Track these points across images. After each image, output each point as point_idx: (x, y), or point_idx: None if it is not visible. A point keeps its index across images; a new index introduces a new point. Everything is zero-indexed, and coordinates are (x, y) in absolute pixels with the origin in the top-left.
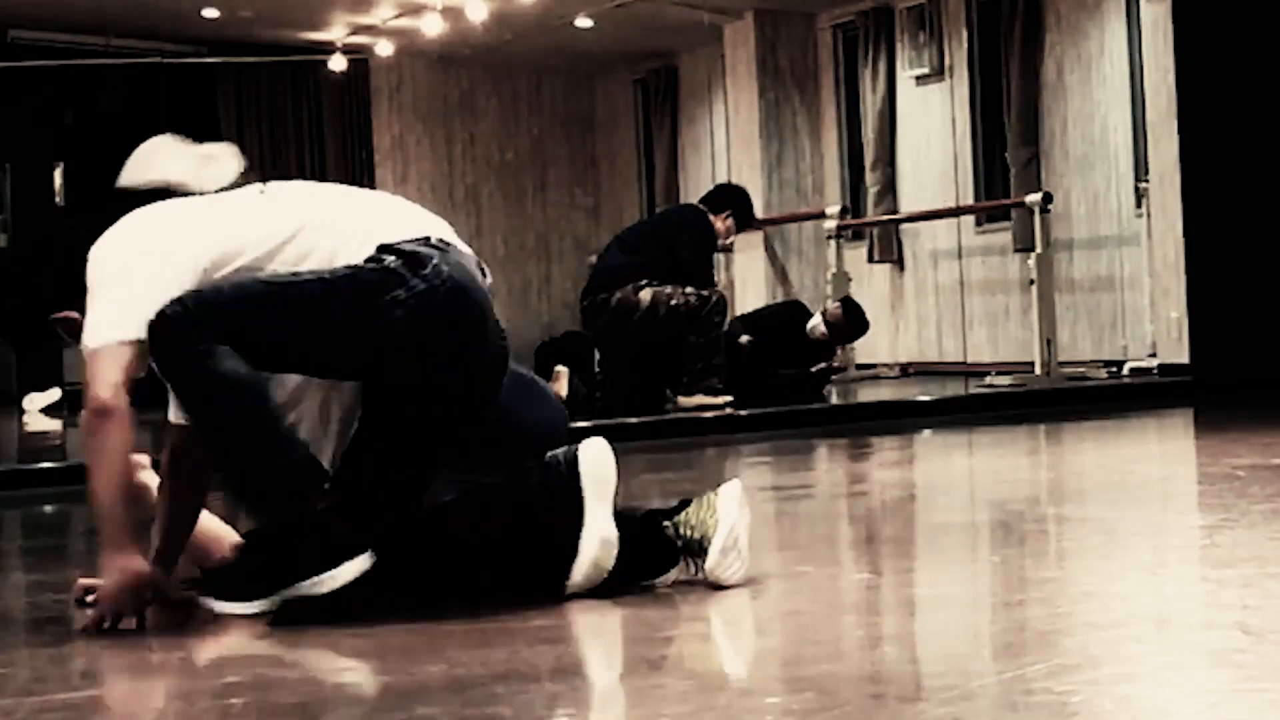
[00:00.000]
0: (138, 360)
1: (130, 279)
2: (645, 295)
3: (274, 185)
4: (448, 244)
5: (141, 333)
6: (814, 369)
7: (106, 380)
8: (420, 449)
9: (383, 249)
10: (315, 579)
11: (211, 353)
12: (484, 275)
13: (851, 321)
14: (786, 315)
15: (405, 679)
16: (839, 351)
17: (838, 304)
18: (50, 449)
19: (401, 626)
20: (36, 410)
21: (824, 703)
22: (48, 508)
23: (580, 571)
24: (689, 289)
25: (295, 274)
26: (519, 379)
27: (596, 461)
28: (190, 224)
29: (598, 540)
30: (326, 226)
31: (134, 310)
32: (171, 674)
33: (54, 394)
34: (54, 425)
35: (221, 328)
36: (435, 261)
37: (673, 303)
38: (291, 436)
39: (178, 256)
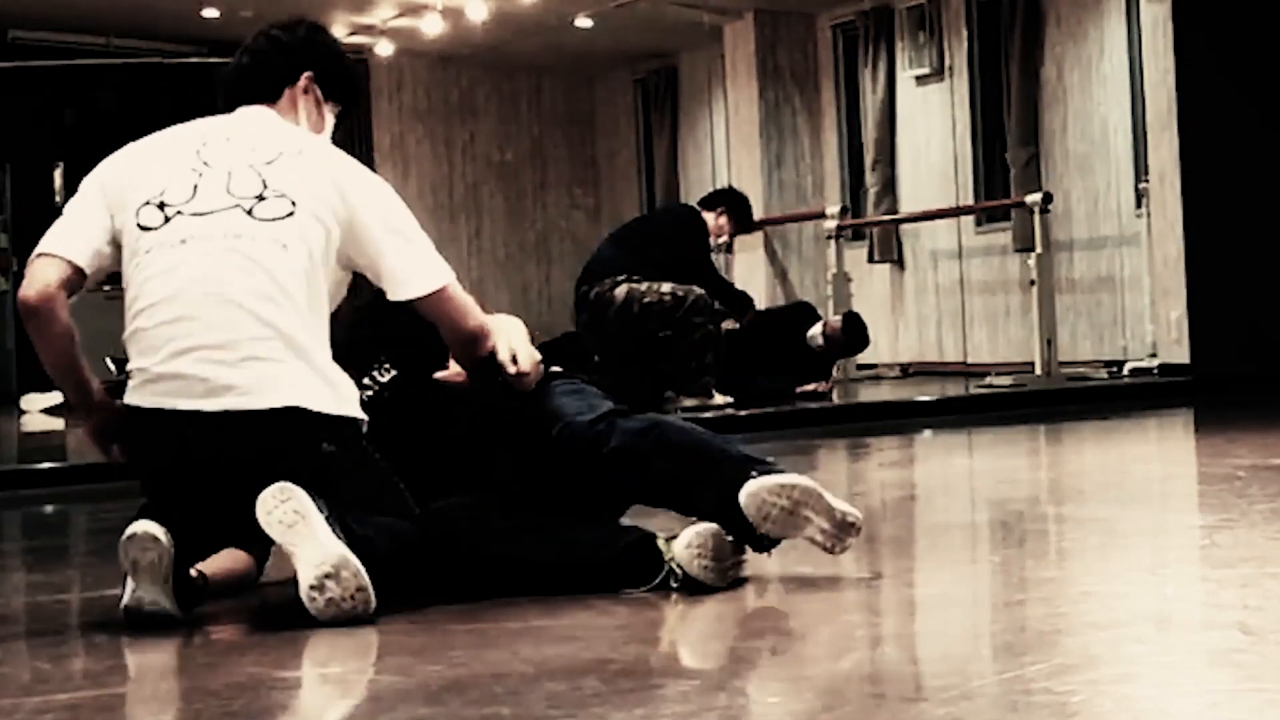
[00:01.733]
0: (68, 278)
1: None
2: (620, 291)
3: (181, 217)
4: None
5: (64, 253)
6: (800, 389)
7: (33, 280)
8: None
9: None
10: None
11: None
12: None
13: (849, 337)
14: (789, 319)
15: (405, 679)
16: (836, 369)
17: (839, 317)
18: (50, 449)
19: (402, 626)
20: (37, 410)
21: (824, 703)
22: (48, 508)
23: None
24: (666, 287)
25: None
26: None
27: (263, 513)
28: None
29: (304, 591)
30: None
31: (63, 232)
32: (172, 674)
33: (56, 396)
34: (54, 425)
35: None
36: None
37: (646, 300)
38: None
39: (98, 197)
